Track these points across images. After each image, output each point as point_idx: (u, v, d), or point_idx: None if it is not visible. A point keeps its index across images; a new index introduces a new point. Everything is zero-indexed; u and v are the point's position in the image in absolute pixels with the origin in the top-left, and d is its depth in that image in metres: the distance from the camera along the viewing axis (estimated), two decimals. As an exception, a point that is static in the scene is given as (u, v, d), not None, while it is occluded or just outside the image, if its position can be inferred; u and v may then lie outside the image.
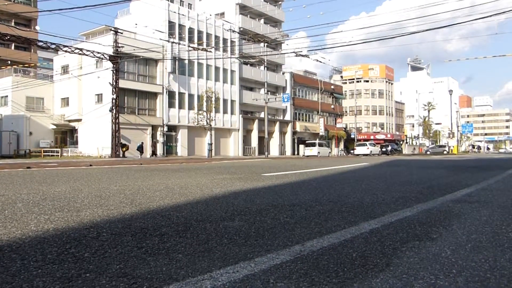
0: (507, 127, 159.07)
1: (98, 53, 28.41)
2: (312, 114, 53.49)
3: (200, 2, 44.85)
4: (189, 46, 35.34)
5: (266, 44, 41.88)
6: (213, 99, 34.67)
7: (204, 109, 33.91)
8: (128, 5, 39.36)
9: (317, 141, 40.44)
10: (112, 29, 30.09)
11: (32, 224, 2.55)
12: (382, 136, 66.83)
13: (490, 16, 16.82)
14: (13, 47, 43.73)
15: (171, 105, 36.14)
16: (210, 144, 33.01)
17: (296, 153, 48.88)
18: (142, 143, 32.23)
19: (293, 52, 31.63)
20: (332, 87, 57.96)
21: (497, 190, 4.73)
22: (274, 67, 48.70)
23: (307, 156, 36.15)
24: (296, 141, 49.84)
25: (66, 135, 38.10)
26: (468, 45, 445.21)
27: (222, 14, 44.58)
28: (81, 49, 28.24)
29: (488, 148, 78.84)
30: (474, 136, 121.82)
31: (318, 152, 37.44)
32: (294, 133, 49.56)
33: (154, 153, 33.03)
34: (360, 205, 3.45)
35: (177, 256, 1.84)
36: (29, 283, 1.48)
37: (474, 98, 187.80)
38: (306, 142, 42.73)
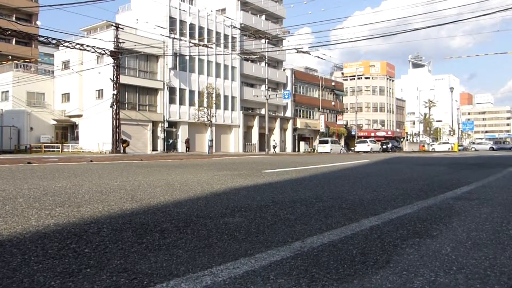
0: (508, 124, 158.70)
1: (99, 48, 28.37)
2: (313, 111, 53.44)
3: (201, -3, 44.72)
4: (190, 42, 35.29)
5: (267, 40, 41.76)
6: (213, 95, 34.66)
7: (205, 105, 33.92)
8: (129, 0, 39.37)
9: (329, 139, 41.86)
10: (113, 24, 30.03)
11: (33, 219, 2.56)
12: (383, 133, 66.73)
13: (495, 12, 16.74)
14: (14, 42, 43.69)
15: (171, 101, 36.13)
16: (211, 141, 33.04)
17: (297, 149, 48.89)
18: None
19: (294, 48, 31.53)
20: (333, 83, 57.84)
21: (498, 187, 4.72)
22: (275, 63, 48.60)
23: (320, 152, 36.63)
24: (296, 137, 49.87)
25: (67, 130, 38.10)
26: (472, 42, 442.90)
27: (223, 10, 44.44)
28: (82, 45, 28.17)
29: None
30: (474, 134, 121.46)
31: (331, 149, 37.70)
32: (295, 129, 49.54)
33: (188, 148, 35.49)
34: (360, 202, 3.45)
35: (178, 252, 1.84)
36: (30, 278, 1.48)
37: (475, 96, 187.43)
38: (320, 139, 44.31)
